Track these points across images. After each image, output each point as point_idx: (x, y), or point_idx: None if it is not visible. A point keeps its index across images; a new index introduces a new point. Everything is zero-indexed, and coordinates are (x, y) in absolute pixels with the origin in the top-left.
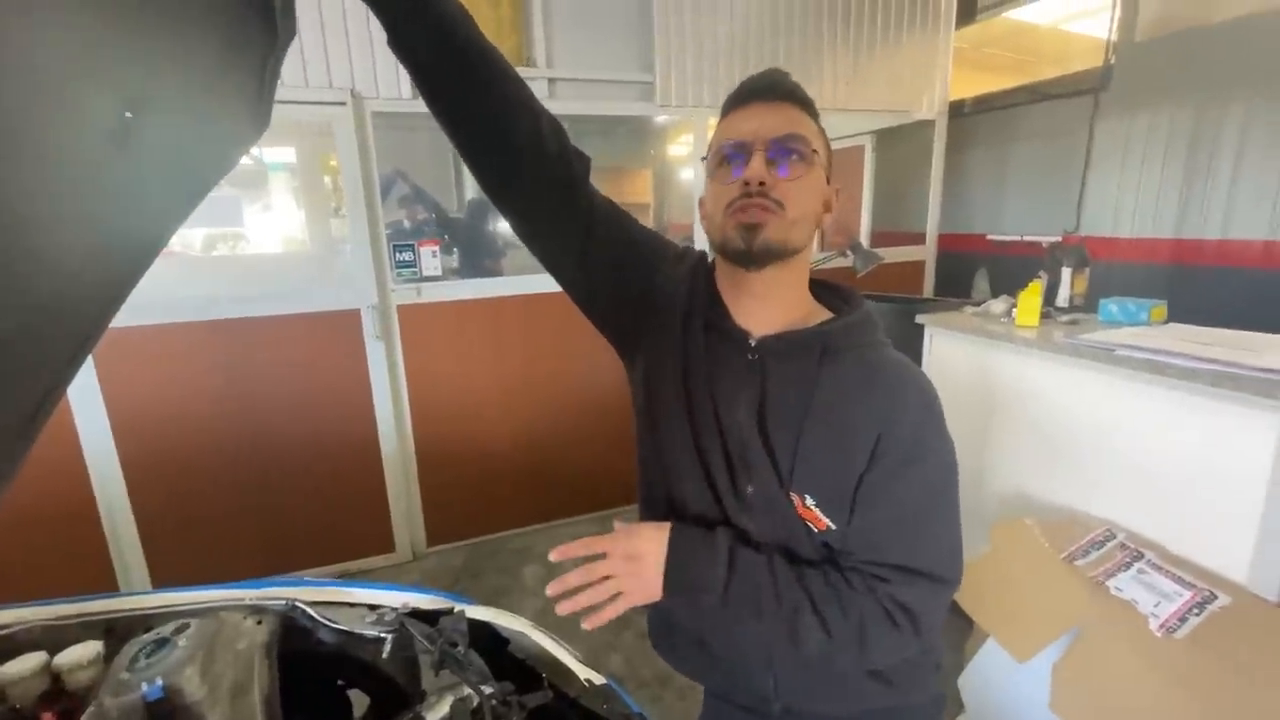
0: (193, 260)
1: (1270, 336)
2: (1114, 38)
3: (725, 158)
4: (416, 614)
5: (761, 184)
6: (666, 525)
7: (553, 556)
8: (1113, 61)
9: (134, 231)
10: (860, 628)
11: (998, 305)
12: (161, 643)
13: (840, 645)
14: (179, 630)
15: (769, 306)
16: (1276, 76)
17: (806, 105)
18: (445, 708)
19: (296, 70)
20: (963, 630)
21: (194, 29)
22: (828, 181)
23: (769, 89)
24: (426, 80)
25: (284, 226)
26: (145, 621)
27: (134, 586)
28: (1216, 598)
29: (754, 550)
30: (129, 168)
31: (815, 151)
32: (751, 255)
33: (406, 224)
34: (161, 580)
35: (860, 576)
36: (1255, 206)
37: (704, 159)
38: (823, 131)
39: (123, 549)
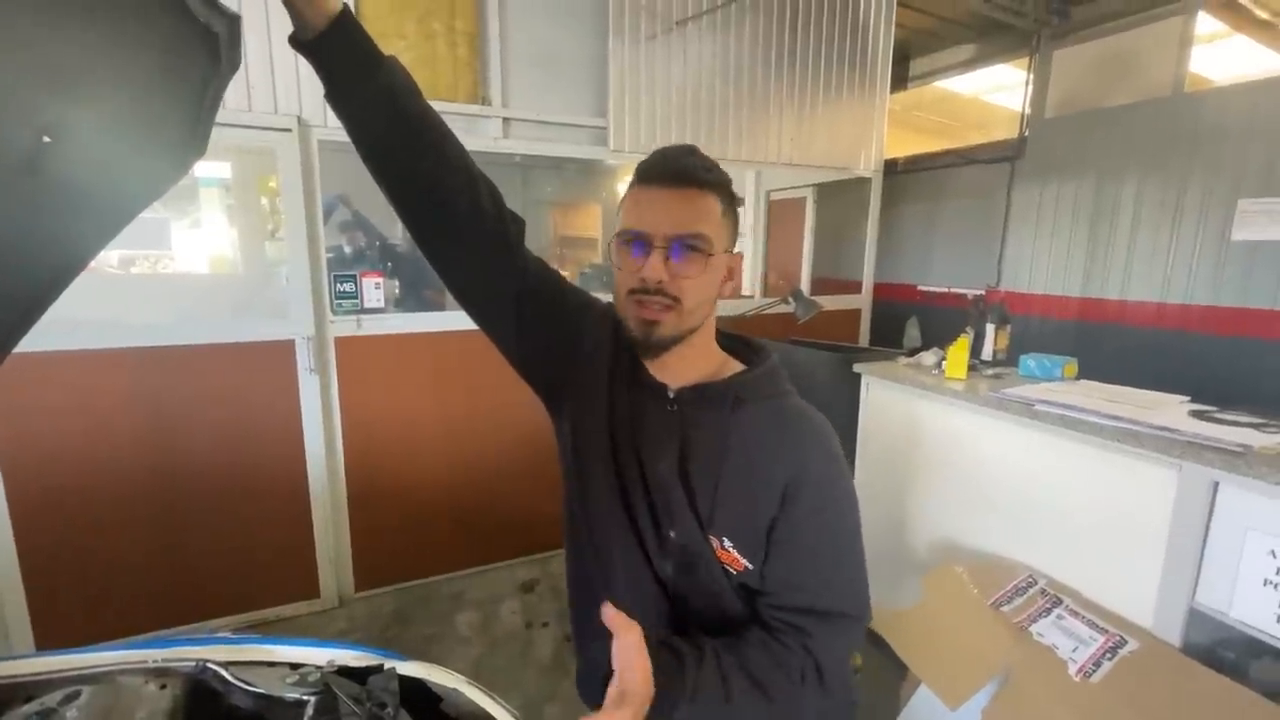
0: (108, 278)
1: (1165, 395)
2: (1028, 111)
3: (629, 242)
4: (343, 672)
5: (660, 282)
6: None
7: None
8: (1027, 133)
9: (46, 255)
10: (802, 686)
11: (929, 357)
12: (46, 714)
13: (782, 706)
14: (68, 700)
15: (680, 367)
16: (1161, 158)
17: (714, 186)
18: None
19: (240, 95)
20: (898, 676)
21: (127, 57)
22: (732, 248)
23: (677, 176)
24: (364, 140)
25: (214, 246)
26: (27, 690)
27: (15, 649)
28: (1127, 643)
29: (693, 648)
30: (43, 191)
31: (712, 254)
32: (647, 347)
33: (347, 249)
34: (48, 642)
35: (791, 634)
36: (1148, 272)
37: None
38: (729, 203)
39: (3, 605)
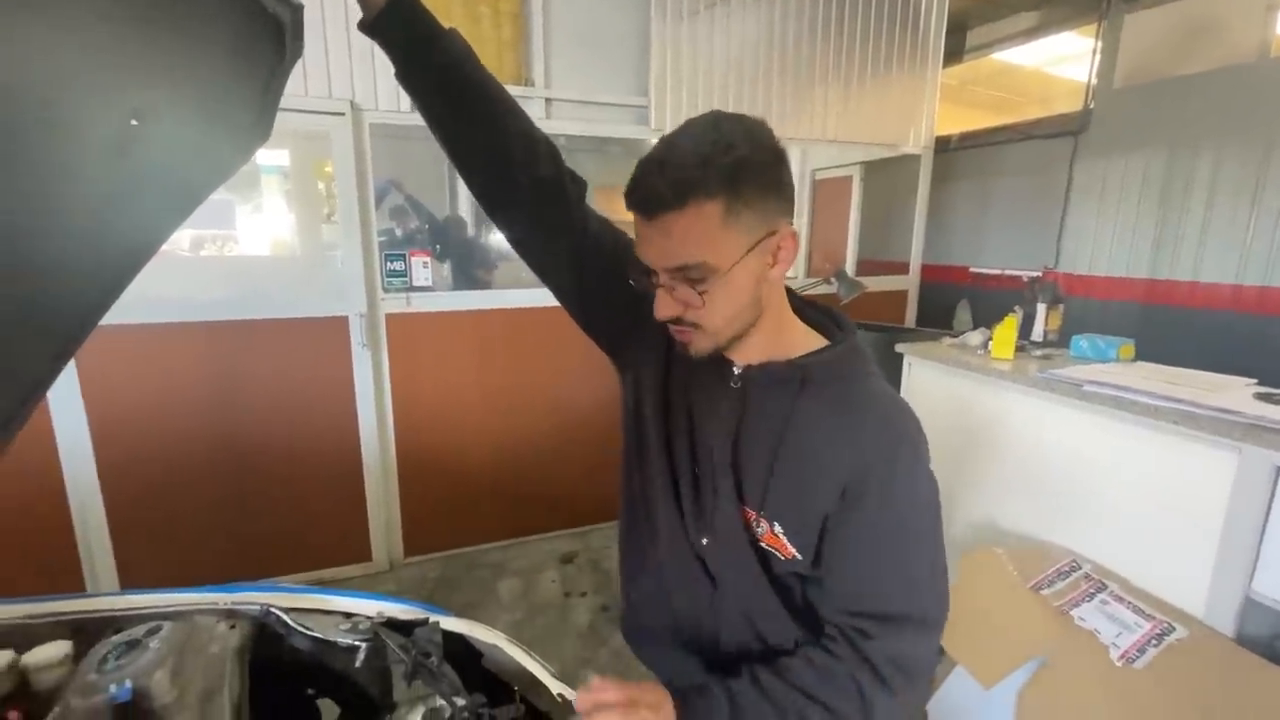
0: (180, 260)
1: (1229, 378)
2: (1094, 82)
3: (639, 271)
4: (391, 624)
5: (674, 317)
6: (667, 695)
7: (579, 706)
8: (1092, 105)
9: (128, 235)
10: (861, 697)
11: (974, 337)
12: (132, 644)
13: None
14: (150, 633)
15: (746, 348)
16: (1242, 127)
17: (702, 194)
18: (417, 718)
19: (297, 80)
20: None
21: (204, 45)
22: (764, 233)
23: (649, 204)
24: (433, 113)
25: (274, 229)
26: (116, 623)
27: (101, 588)
28: (1174, 630)
29: (739, 678)
30: (129, 173)
31: (710, 278)
32: (695, 361)
33: (398, 232)
34: (129, 583)
35: (844, 640)
36: (1224, 251)
37: None
38: (738, 192)
39: (92, 549)
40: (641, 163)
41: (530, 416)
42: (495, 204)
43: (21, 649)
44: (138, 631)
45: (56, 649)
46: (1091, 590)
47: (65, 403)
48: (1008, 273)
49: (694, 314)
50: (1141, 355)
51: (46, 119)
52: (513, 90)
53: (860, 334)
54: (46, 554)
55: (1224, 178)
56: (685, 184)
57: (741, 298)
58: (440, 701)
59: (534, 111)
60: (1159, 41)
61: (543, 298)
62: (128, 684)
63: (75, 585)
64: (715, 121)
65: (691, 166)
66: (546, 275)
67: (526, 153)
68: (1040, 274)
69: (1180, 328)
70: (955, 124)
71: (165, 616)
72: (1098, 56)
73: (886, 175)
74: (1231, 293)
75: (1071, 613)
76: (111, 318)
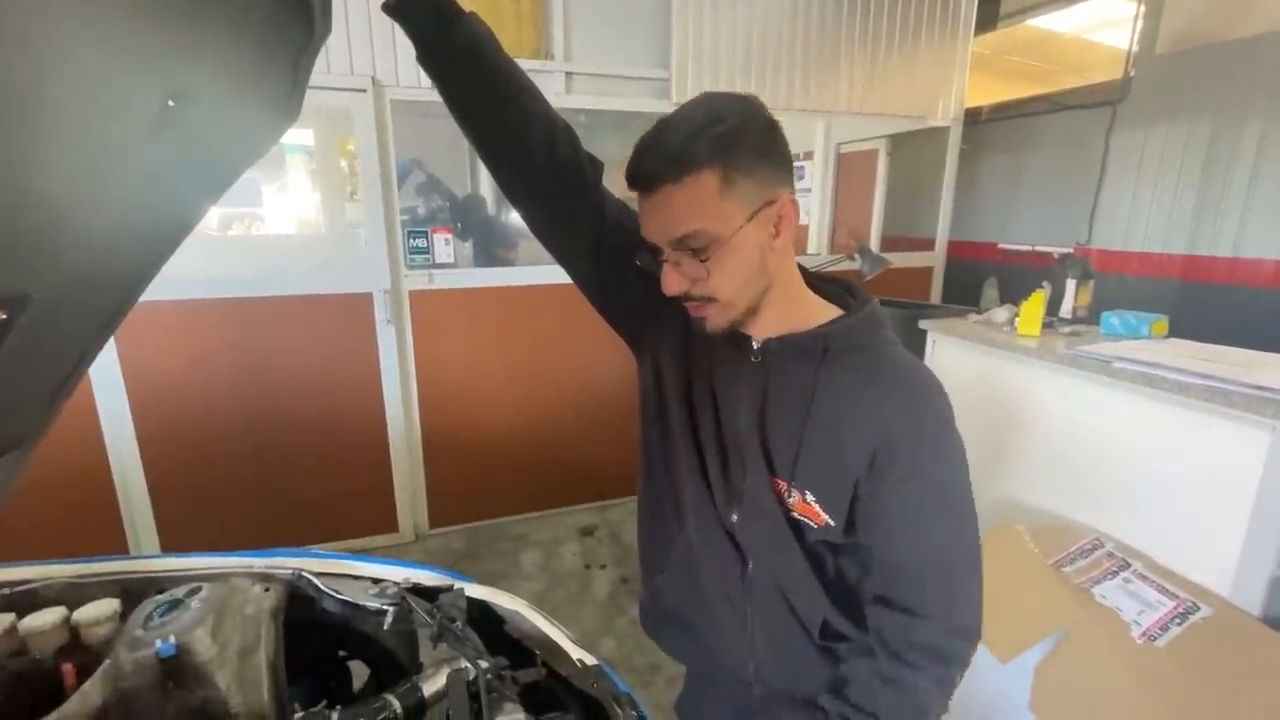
0: (209, 238)
1: (1265, 354)
2: (1135, 49)
3: (646, 250)
4: (417, 589)
5: (684, 291)
6: None
7: None
8: (1132, 73)
9: (167, 213)
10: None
11: (1000, 314)
12: (175, 604)
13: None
14: (191, 593)
15: (764, 321)
16: None
17: (696, 165)
18: (441, 679)
19: (319, 57)
20: None
21: (237, 25)
22: (763, 200)
23: (645, 180)
24: (453, 95)
25: (299, 208)
26: (159, 583)
27: (144, 552)
28: (1199, 609)
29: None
30: (166, 153)
31: (712, 248)
32: (714, 340)
33: (421, 210)
34: (169, 547)
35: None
36: (1269, 226)
37: None
38: (734, 161)
39: (134, 515)
40: (638, 143)
41: (551, 391)
42: (514, 185)
43: (72, 606)
44: (179, 592)
45: (105, 606)
46: (1114, 568)
47: (106, 375)
48: (1038, 249)
49: (702, 287)
50: (1178, 333)
51: (88, 101)
52: (532, 64)
53: (879, 307)
54: (92, 519)
55: (1270, 148)
56: (679, 156)
57: (747, 267)
58: (464, 663)
59: (554, 86)
60: (1206, 4)
61: (563, 275)
62: (172, 639)
63: (119, 548)
64: (706, 98)
65: (684, 139)
66: (564, 258)
67: (545, 134)
68: (1071, 250)
69: (1219, 305)
70: (987, 95)
71: (204, 578)
72: (1140, 21)
73: (914, 149)
74: (1275, 269)
75: (1092, 590)
76: (148, 295)
